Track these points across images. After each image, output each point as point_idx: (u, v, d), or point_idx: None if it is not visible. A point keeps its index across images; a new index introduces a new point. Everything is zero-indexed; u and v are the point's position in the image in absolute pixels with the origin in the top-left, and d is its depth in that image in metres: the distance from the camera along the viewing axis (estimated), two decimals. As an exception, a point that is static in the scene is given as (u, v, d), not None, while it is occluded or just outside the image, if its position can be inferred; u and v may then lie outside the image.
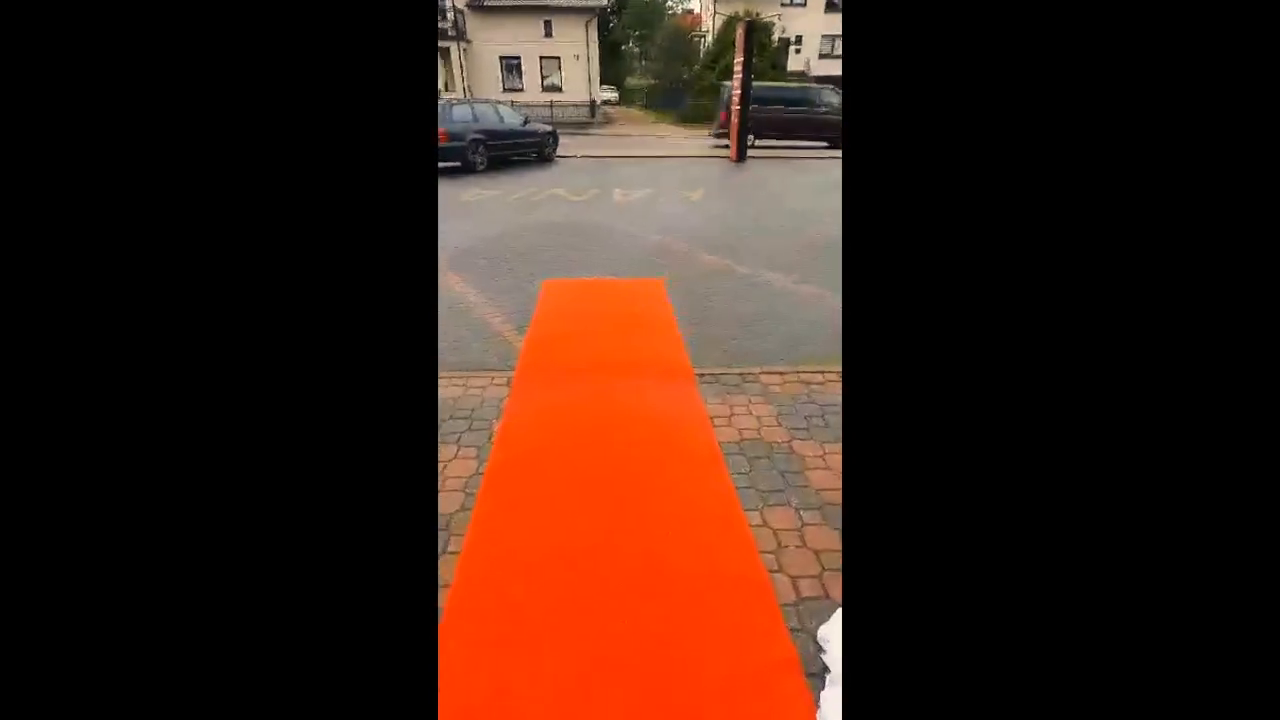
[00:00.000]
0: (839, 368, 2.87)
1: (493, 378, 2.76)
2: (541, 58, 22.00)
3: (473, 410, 2.48)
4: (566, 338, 3.23)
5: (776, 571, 1.65)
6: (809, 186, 8.91)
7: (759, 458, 2.18)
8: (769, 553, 1.72)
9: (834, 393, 2.65)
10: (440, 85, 21.32)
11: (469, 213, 6.72)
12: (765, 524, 1.84)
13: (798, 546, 1.75)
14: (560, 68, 22.25)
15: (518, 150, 10.99)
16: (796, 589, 1.59)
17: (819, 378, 2.78)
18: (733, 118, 11.84)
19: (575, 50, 21.91)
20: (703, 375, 2.80)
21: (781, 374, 2.82)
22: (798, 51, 27.94)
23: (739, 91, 11.34)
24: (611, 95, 31.69)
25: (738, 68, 11.41)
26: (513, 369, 2.84)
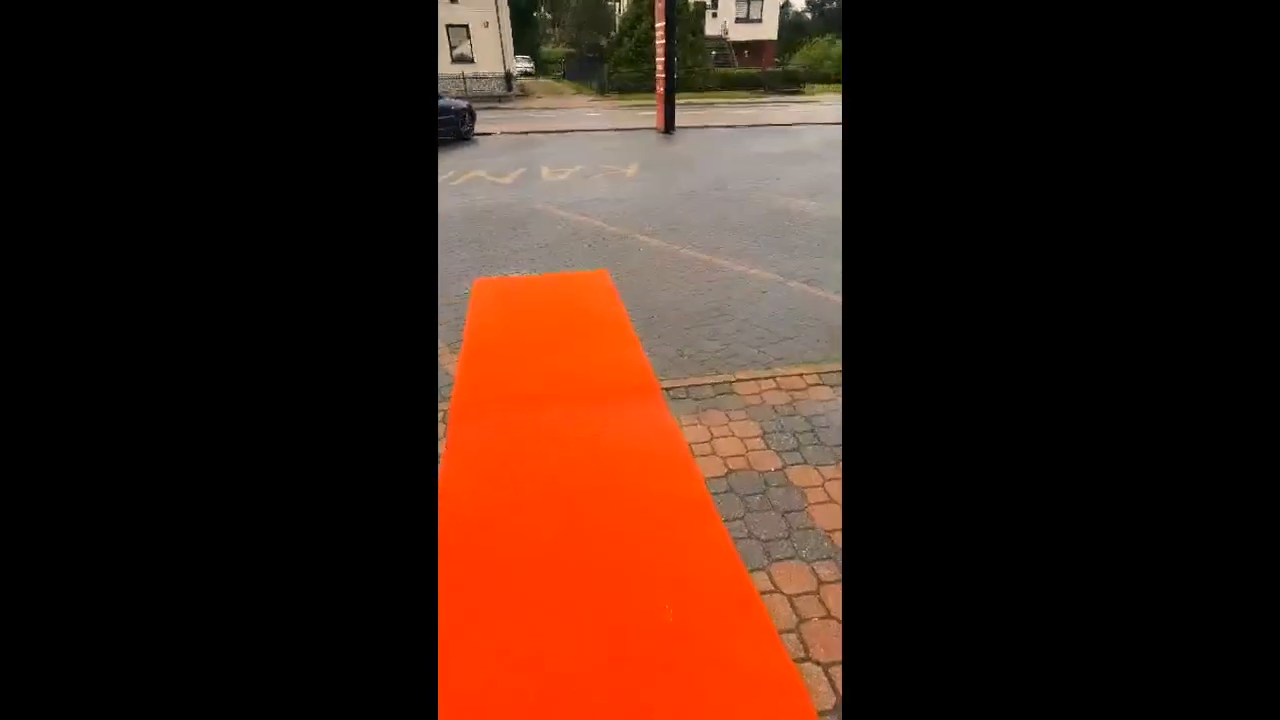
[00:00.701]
0: (817, 368, 2.59)
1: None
2: (449, 26, 20.50)
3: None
4: (506, 353, 2.79)
5: (804, 660, 1.34)
6: (744, 157, 8.63)
7: (752, 494, 1.86)
8: (789, 632, 1.40)
9: (818, 399, 2.36)
10: (337, 59, 19.50)
11: (380, 203, 6.00)
12: (776, 588, 1.52)
13: (822, 617, 1.44)
14: (469, 36, 20.83)
15: (430, 129, 10.10)
16: (834, 685, 1.29)
17: (799, 382, 2.49)
18: (659, 86, 11.35)
19: (484, 17, 20.54)
20: (671, 390, 2.44)
21: (757, 380, 2.51)
22: (714, 15, 27.48)
23: (663, 58, 10.84)
24: (527, 66, 30.21)
25: (659, 32, 10.89)
26: (447, 400, 2.39)
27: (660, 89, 11.29)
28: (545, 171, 7.53)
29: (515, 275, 3.85)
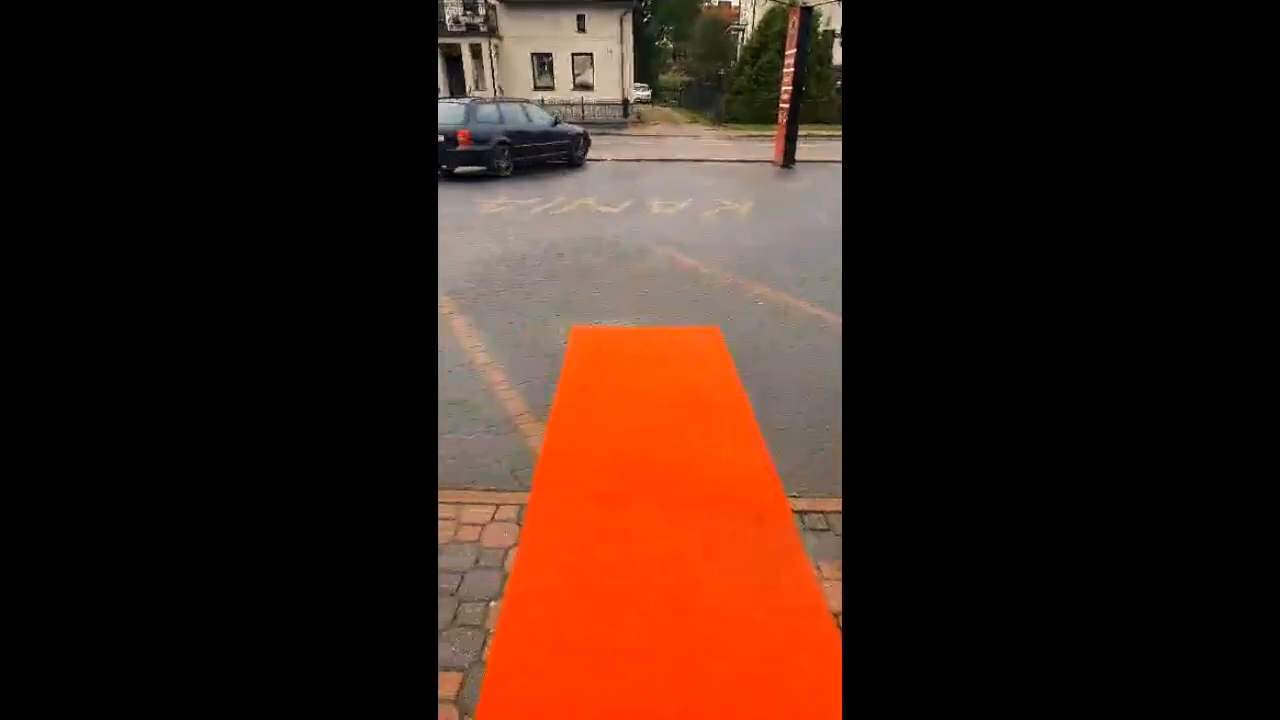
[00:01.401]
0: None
1: (498, 505, 1.91)
2: (574, 54, 21.25)
3: (463, 575, 1.64)
4: (597, 427, 2.36)
5: None
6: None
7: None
8: None
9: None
10: (471, 84, 20.77)
11: (489, 227, 5.91)
12: None
13: None
14: (593, 64, 21.46)
15: (546, 153, 10.19)
16: None
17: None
18: (782, 116, 10.83)
19: (609, 46, 21.09)
20: (805, 515, 1.90)
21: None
22: (842, 44, 26.64)
23: (790, 87, 10.33)
24: (644, 93, 30.79)
25: (789, 60, 10.40)
26: (527, 488, 1.99)
27: (783, 119, 10.77)
28: (655, 205, 7.22)
29: (614, 325, 3.45)
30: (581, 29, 20.85)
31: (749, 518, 1.85)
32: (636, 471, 2.07)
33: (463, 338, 3.25)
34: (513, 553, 1.71)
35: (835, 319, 3.52)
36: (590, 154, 11.54)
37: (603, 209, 6.92)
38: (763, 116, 21.12)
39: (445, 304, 3.73)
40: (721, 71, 27.37)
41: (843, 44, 1.21)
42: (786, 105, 10.55)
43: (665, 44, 41.69)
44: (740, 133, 18.58)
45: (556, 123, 10.48)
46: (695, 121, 23.11)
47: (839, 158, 12.14)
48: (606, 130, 17.68)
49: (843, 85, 1.07)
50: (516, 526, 1.82)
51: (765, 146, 13.76)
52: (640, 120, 22.77)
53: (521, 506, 1.90)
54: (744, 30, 29.87)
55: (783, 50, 11.21)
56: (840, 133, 15.92)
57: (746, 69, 22.33)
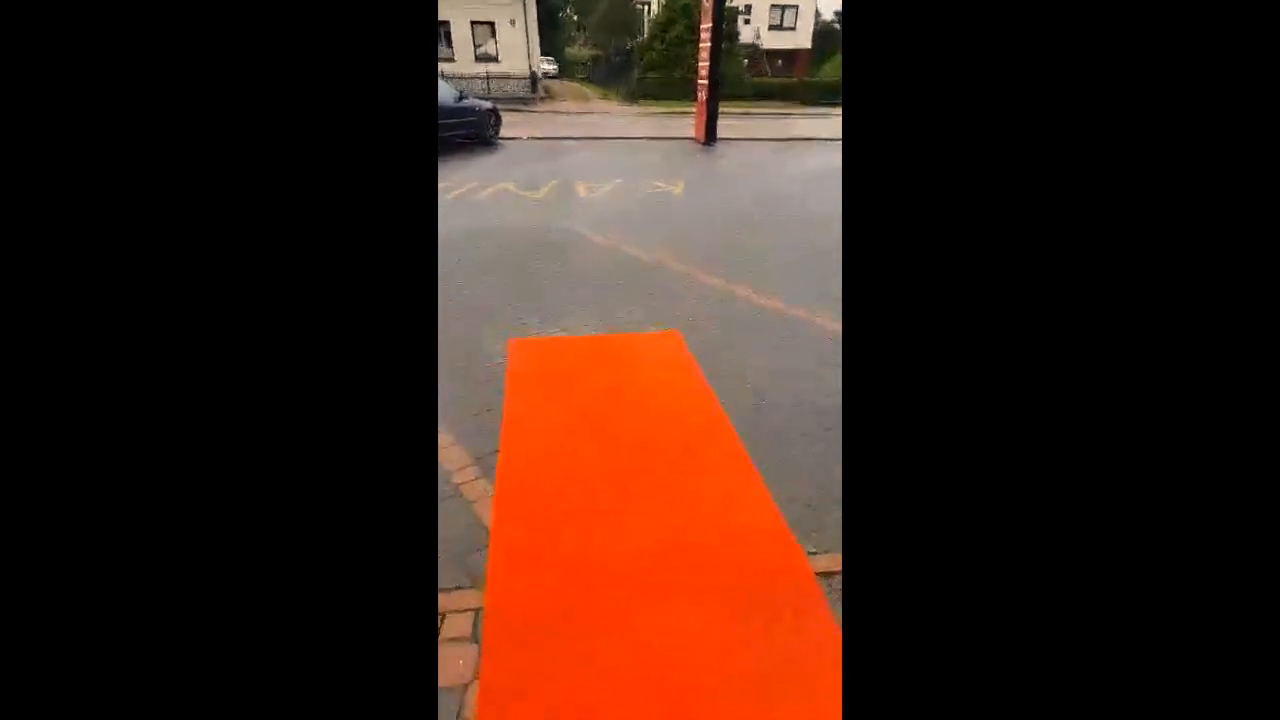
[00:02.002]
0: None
1: (444, 615, 1.42)
2: (473, 23, 19.80)
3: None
4: (556, 476, 1.90)
5: None
6: (800, 174, 7.74)
7: None
8: None
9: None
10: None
11: (394, 219, 5.15)
12: None
13: None
14: (494, 34, 20.12)
15: (453, 132, 9.28)
16: None
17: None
18: (701, 93, 10.48)
19: (511, 14, 19.82)
20: (826, 575, 1.54)
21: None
22: (747, 22, 26.68)
23: (708, 62, 9.98)
24: (551, 68, 29.50)
25: (705, 35, 10.03)
26: (482, 584, 1.51)
27: (702, 96, 10.43)
28: (581, 188, 6.66)
29: (559, 335, 2.96)
30: (481, -6, 19.45)
31: (765, 595, 1.47)
32: (612, 533, 1.63)
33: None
34: (474, 691, 1.24)
35: (806, 314, 3.21)
36: (502, 132, 10.69)
37: (525, 194, 6.29)
38: (676, 93, 20.85)
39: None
40: (629, 46, 26.61)
41: (843, 44, 1.07)
42: (705, 82, 10.21)
43: (569, 15, 40.20)
44: (656, 109, 18.13)
45: (462, 98, 9.56)
46: (607, 98, 22.37)
47: (756, 135, 12.11)
48: (515, 106, 16.65)
49: (843, 84, 0.91)
50: (474, 647, 1.34)
51: (682, 123, 13.43)
52: (550, 96, 21.73)
53: (478, 612, 1.42)
54: (650, 3, 29.22)
55: (691, 25, 10.84)
56: (749, 110, 15.86)
57: (657, 44, 21.84)
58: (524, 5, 19.76)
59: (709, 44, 9.90)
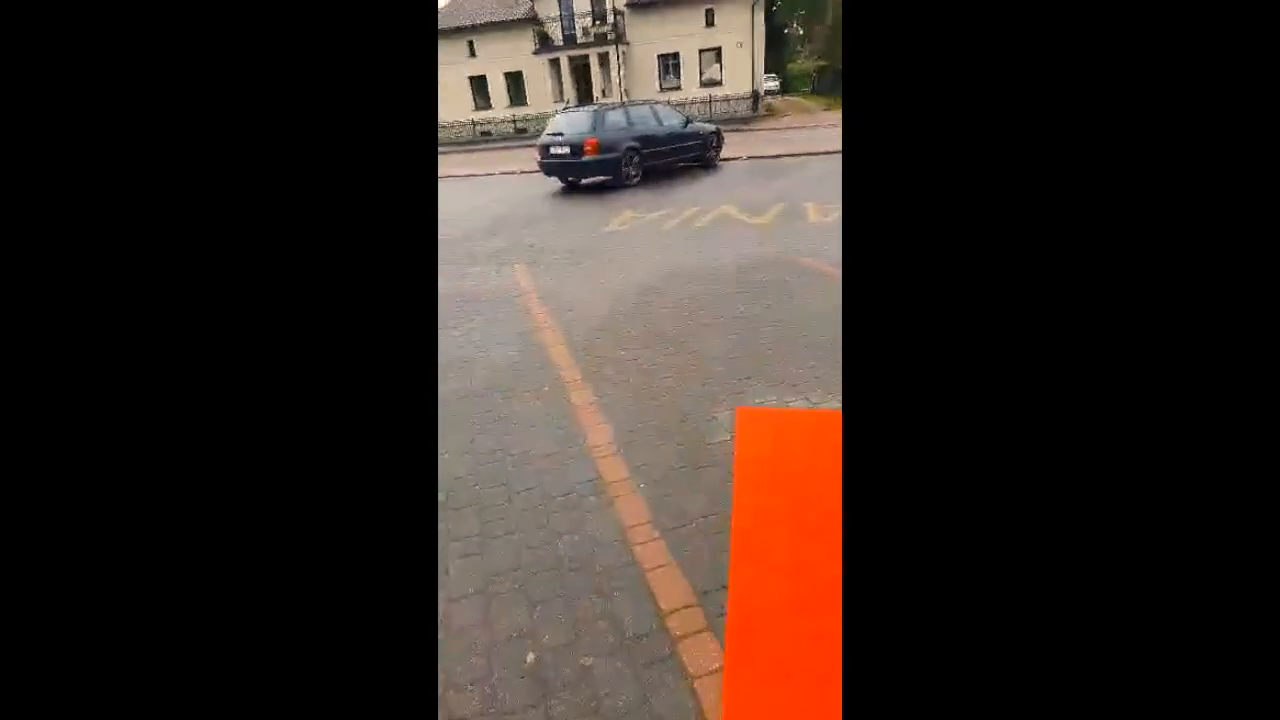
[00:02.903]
0: None
1: None
2: (701, 51, 20.24)
3: None
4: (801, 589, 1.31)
5: None
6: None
7: None
8: None
9: None
10: (598, 92, 20.56)
11: (611, 251, 5.08)
12: None
13: None
14: (720, 59, 20.30)
15: (678, 156, 9.27)
16: None
17: None
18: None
19: (738, 38, 19.80)
20: None
21: None
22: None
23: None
24: (772, 85, 28.98)
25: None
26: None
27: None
28: (811, 210, 5.98)
29: (797, 406, 2.37)
30: (710, 23, 19.75)
31: None
32: None
33: (589, 429, 2.35)
34: None
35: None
36: (722, 154, 10.46)
37: (748, 218, 5.83)
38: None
39: (563, 370, 2.88)
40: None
41: (844, 42, 0.58)
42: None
43: (795, 30, 39.35)
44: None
45: (688, 123, 9.54)
46: (831, 109, 21.08)
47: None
48: (735, 127, 16.47)
49: (843, 83, 0.63)
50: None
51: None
52: (771, 112, 21.21)
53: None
54: (886, 4, 26.98)
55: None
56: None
57: (893, 45, 19.93)
58: (751, 27, 19.60)
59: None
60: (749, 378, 2.60)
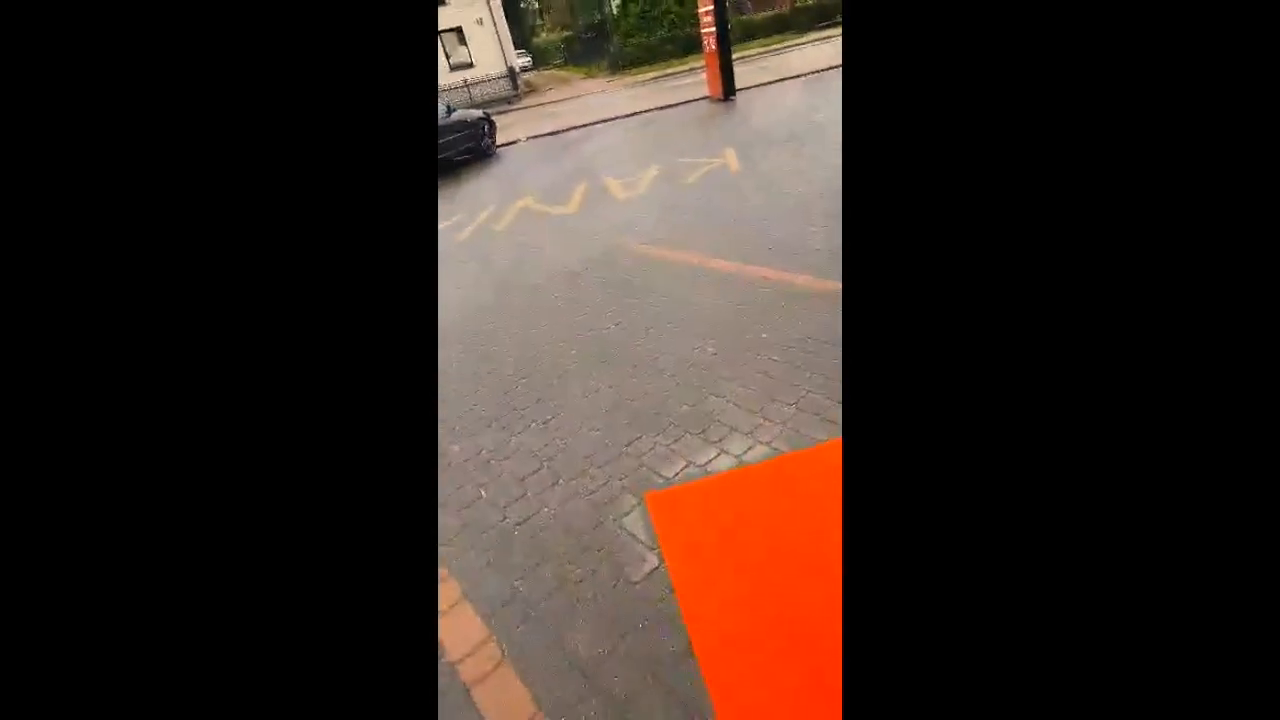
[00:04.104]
0: None
1: None
2: (440, 32, 18.63)
3: None
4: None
5: None
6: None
7: None
8: None
9: None
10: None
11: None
12: None
13: None
14: (464, 40, 18.92)
15: (451, 151, 8.24)
16: None
17: None
18: (709, 44, 9.17)
19: (476, 14, 18.56)
20: None
21: None
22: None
23: (711, 7, 8.66)
24: (524, 61, 28.06)
25: (703, -21, 8.70)
26: None
27: (710, 46, 9.11)
28: (613, 185, 5.56)
29: (706, 476, 1.92)
30: (442, 2, 18.20)
31: None
32: None
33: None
34: None
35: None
36: (498, 139, 9.62)
37: (551, 208, 5.23)
38: (663, 55, 19.40)
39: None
40: (598, 18, 24.90)
41: (843, 43, 0.55)
42: (712, 31, 8.88)
43: (530, 4, 38.49)
44: (647, 75, 16.75)
45: (450, 111, 8.50)
46: (591, 75, 20.97)
47: (773, 77, 10.74)
48: (501, 109, 15.52)
49: (843, 83, 0.56)
50: None
51: (683, 84, 12.13)
52: (532, 88, 20.46)
53: None
54: (612, -31, 27.39)
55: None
56: (744, 53, 14.27)
57: (631, 8, 20.33)
58: (487, 2, 18.47)
59: (709, -15, 8.57)
60: (612, 419, 2.09)
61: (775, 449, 1.83)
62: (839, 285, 2.70)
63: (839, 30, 18.62)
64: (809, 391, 2.04)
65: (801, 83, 9.59)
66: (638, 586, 1.46)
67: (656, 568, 1.49)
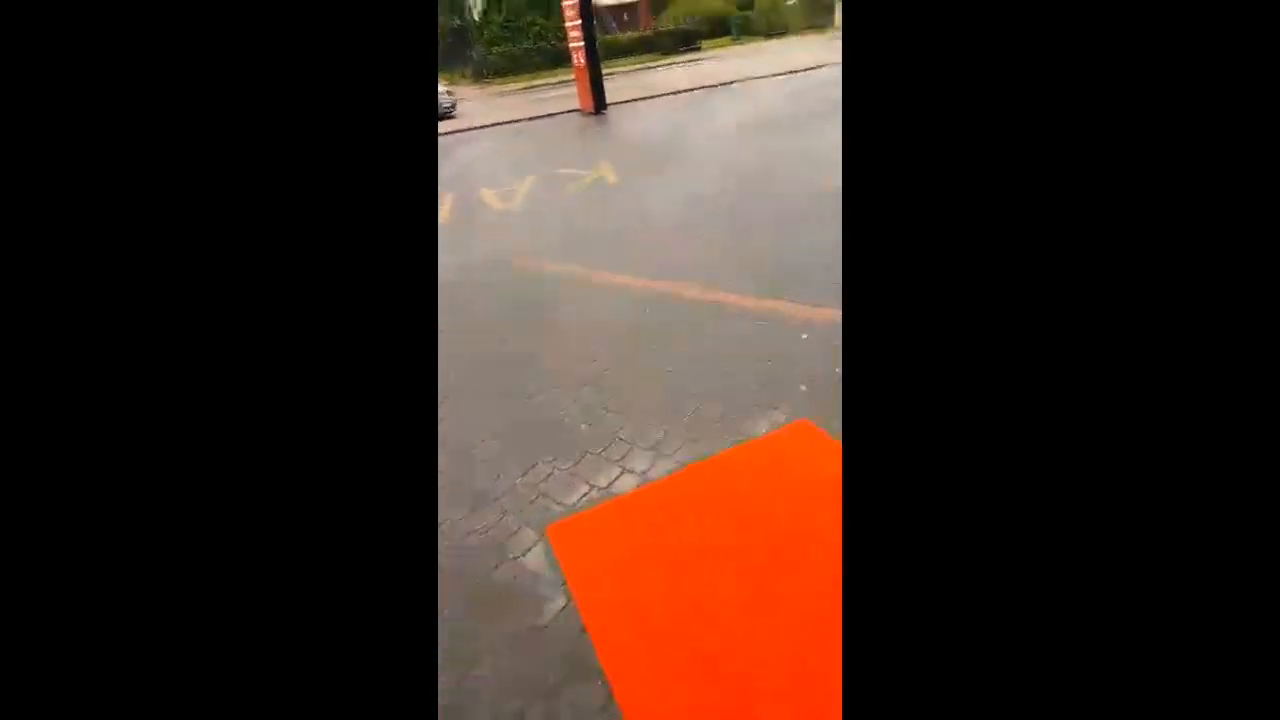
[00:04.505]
0: None
1: None
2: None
3: None
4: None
5: None
6: (733, 126, 6.77)
7: None
8: None
9: None
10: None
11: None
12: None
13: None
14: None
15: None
16: None
17: None
18: (578, 58, 9.15)
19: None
20: None
21: None
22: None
23: (578, 22, 8.67)
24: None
25: (568, -8, 8.69)
26: None
27: (580, 61, 9.11)
28: (489, 196, 5.29)
29: (610, 500, 1.81)
30: None
31: None
32: None
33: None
34: None
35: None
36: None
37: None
38: (529, 65, 19.21)
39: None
40: (457, 24, 24.09)
41: (843, 42, 0.62)
42: (581, 46, 8.89)
43: None
44: (512, 86, 16.48)
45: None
46: (453, 83, 20.20)
47: (642, 94, 11.02)
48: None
49: (843, 82, 0.58)
50: None
51: (553, 96, 12.07)
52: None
53: None
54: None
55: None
56: (611, 70, 14.55)
57: (495, 16, 19.92)
58: None
59: (576, 2, 8.57)
60: (507, 458, 1.91)
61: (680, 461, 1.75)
62: (716, 295, 2.73)
63: (699, 54, 19.67)
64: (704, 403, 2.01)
65: (665, 101, 9.92)
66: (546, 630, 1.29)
67: (564, 607, 1.34)
